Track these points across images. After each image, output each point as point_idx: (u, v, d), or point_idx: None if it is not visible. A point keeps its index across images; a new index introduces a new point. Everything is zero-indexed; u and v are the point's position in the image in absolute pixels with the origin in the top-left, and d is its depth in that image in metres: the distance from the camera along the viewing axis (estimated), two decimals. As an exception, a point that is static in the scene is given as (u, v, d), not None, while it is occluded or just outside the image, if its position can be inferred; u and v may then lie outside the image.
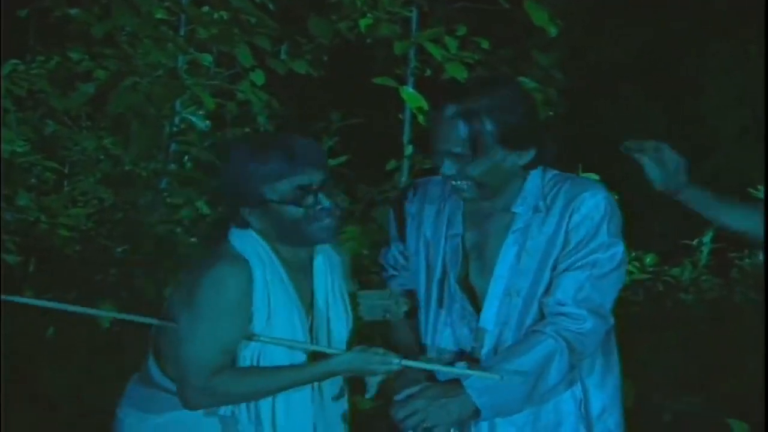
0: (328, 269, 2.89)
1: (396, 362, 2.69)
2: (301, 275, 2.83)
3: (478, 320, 2.76)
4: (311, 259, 2.85)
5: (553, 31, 5.87)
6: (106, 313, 3.95)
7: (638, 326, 5.49)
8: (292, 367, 2.76)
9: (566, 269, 2.66)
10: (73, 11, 5.32)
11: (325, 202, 2.69)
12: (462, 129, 2.65)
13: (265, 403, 2.78)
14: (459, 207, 2.80)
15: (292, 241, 2.76)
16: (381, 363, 2.70)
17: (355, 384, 2.92)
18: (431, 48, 5.79)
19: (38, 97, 5.28)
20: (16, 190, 5.24)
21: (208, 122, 5.47)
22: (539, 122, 2.75)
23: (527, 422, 2.73)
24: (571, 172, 5.99)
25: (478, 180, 2.68)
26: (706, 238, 6.26)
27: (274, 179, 2.65)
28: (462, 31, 5.90)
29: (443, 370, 2.76)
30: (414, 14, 5.90)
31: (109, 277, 5.13)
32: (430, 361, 2.78)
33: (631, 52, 7.82)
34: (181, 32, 5.60)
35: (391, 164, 5.72)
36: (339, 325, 2.85)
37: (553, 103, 6.35)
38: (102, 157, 5.89)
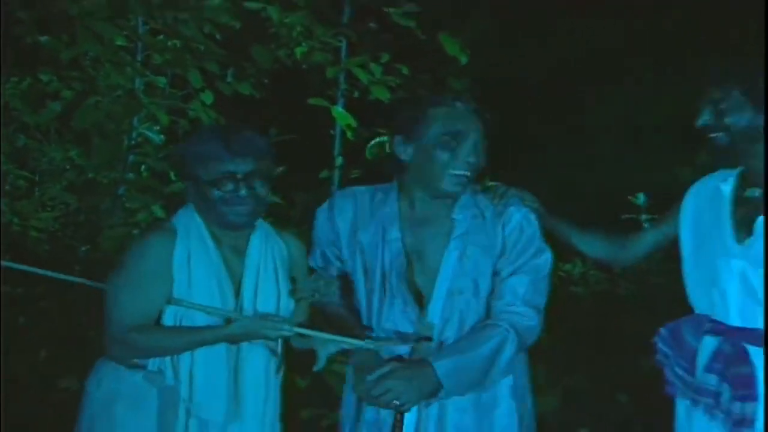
0: (264, 251, 2.81)
1: (287, 328, 2.64)
2: (234, 253, 2.78)
3: (419, 315, 2.74)
4: (248, 241, 2.79)
5: (463, 59, 5.83)
6: (76, 279, 3.84)
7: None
8: (196, 328, 2.70)
9: (511, 274, 2.73)
10: (43, 38, 5.20)
11: (242, 191, 2.65)
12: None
13: (184, 361, 2.72)
14: (394, 214, 2.80)
15: (212, 219, 2.73)
16: (273, 329, 2.65)
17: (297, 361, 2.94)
18: (359, 73, 5.71)
19: (12, 113, 5.22)
20: (-10, 195, 5.17)
21: (162, 136, 5.41)
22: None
23: (470, 403, 2.75)
24: (481, 181, 5.98)
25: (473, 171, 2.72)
26: None
27: (207, 160, 2.65)
28: (385, 58, 5.76)
29: (345, 341, 2.68)
30: (343, 44, 5.82)
31: (74, 273, 5.08)
32: (346, 337, 2.70)
33: (532, 77, 7.75)
34: (139, 57, 5.49)
35: (323, 173, 5.68)
36: (267, 302, 2.78)
37: None
38: (68, 167, 5.84)
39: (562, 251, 6.26)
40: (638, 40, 7.62)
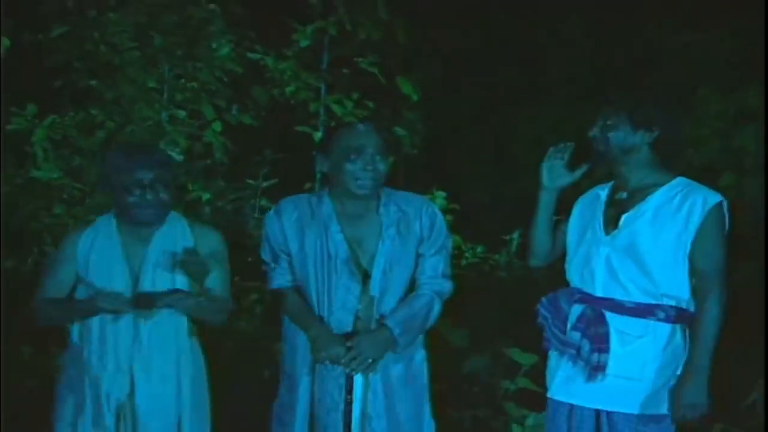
0: (166, 244, 2.81)
1: (122, 299, 2.68)
2: (138, 245, 2.79)
3: (362, 290, 2.81)
4: (152, 236, 2.81)
5: (414, 97, 6.11)
6: None
7: (471, 295, 5.42)
8: (75, 300, 2.77)
9: (431, 254, 2.89)
10: (92, 82, 5.32)
11: (148, 195, 2.70)
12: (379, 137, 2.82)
13: (93, 332, 2.78)
14: (331, 213, 2.83)
15: (128, 218, 2.77)
16: (110, 302, 2.69)
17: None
18: (335, 107, 5.90)
19: (69, 139, 5.19)
20: (53, 203, 5.19)
21: (182, 156, 5.39)
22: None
23: (400, 375, 2.88)
24: (429, 190, 6.19)
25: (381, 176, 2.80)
26: (516, 234, 6.46)
27: (119, 170, 2.71)
28: (356, 96, 5.98)
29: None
30: (323, 85, 6.01)
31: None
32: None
33: (469, 110, 7.85)
34: (165, 96, 5.51)
35: (307, 185, 5.83)
36: (163, 284, 2.80)
37: (417, 146, 6.48)
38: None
39: (492, 244, 6.65)
40: (559, 68, 7.78)
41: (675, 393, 2.71)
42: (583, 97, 6.47)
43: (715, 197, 2.71)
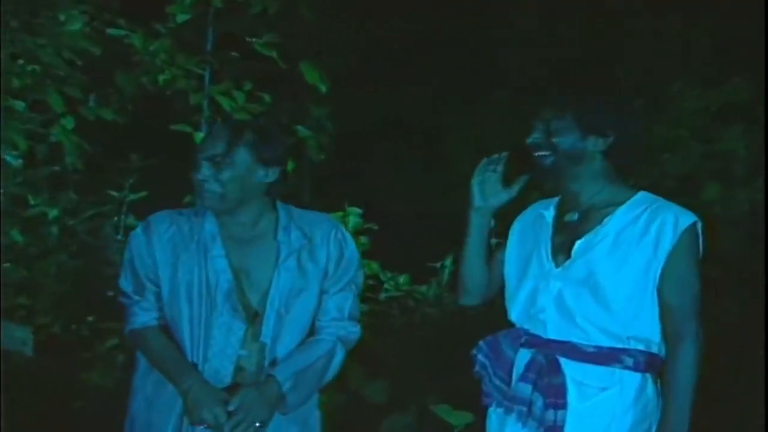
0: None
1: None
2: None
3: (246, 333, 2.75)
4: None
5: (323, 88, 5.93)
6: None
7: (391, 337, 5.69)
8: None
9: (337, 291, 2.85)
10: None
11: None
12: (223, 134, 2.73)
13: None
14: (215, 233, 2.79)
15: None
16: None
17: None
18: (222, 100, 5.72)
19: None
20: None
21: (20, 161, 5.24)
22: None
23: (294, 415, 2.80)
24: (340, 206, 6.11)
25: (225, 187, 2.69)
26: (447, 261, 6.32)
27: None
28: (248, 86, 5.80)
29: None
30: (207, 71, 5.84)
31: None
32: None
33: (389, 107, 7.90)
34: None
35: (187, 198, 5.57)
36: None
37: (325, 148, 6.38)
38: None
39: (418, 272, 6.39)
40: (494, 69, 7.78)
41: None
42: (532, 93, 6.27)
43: (687, 217, 2.67)
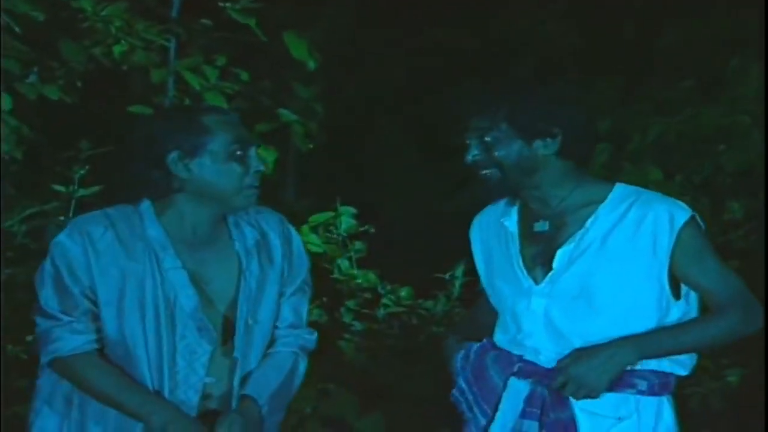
0: None
1: None
2: None
3: (214, 354, 2.80)
4: None
5: (311, 64, 5.89)
6: None
7: (391, 360, 5.64)
8: None
9: (291, 293, 2.94)
10: None
11: None
12: None
13: None
14: (163, 238, 2.81)
15: None
16: None
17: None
18: (190, 77, 5.58)
19: None
20: None
21: None
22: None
23: None
24: (331, 206, 6.13)
25: None
26: (458, 272, 6.25)
27: None
28: (221, 61, 5.69)
29: None
30: (172, 43, 5.73)
31: None
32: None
33: (388, 89, 7.99)
34: None
35: None
36: None
37: (313, 136, 6.30)
38: None
39: (423, 284, 6.45)
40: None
41: None
42: (549, 74, 6.70)
43: (682, 212, 2.75)
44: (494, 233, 2.93)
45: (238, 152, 2.81)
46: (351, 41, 7.55)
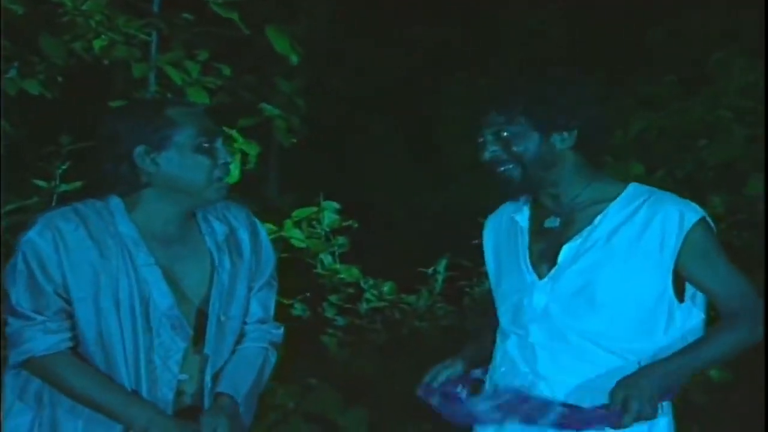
0: None
1: None
2: None
3: (187, 353, 2.81)
4: None
5: (294, 58, 5.92)
6: None
7: (373, 356, 5.64)
8: None
9: (259, 288, 2.96)
10: None
11: None
12: None
13: None
14: (135, 234, 2.80)
15: None
16: None
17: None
18: (171, 72, 5.64)
19: None
20: None
21: None
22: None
23: None
24: (314, 201, 6.14)
25: None
26: (441, 266, 6.29)
27: None
28: (203, 56, 5.76)
29: None
30: (153, 37, 5.78)
31: None
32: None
33: (371, 84, 8.01)
34: None
35: None
36: None
37: (296, 131, 6.34)
38: None
39: (405, 279, 6.44)
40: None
41: None
42: (545, 64, 6.62)
43: (693, 212, 2.73)
44: (505, 230, 2.93)
45: (205, 144, 2.80)
46: (334, 36, 7.55)
